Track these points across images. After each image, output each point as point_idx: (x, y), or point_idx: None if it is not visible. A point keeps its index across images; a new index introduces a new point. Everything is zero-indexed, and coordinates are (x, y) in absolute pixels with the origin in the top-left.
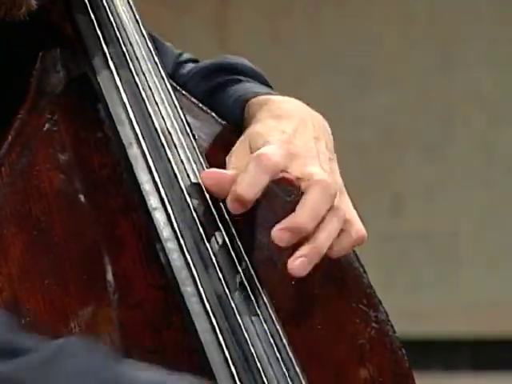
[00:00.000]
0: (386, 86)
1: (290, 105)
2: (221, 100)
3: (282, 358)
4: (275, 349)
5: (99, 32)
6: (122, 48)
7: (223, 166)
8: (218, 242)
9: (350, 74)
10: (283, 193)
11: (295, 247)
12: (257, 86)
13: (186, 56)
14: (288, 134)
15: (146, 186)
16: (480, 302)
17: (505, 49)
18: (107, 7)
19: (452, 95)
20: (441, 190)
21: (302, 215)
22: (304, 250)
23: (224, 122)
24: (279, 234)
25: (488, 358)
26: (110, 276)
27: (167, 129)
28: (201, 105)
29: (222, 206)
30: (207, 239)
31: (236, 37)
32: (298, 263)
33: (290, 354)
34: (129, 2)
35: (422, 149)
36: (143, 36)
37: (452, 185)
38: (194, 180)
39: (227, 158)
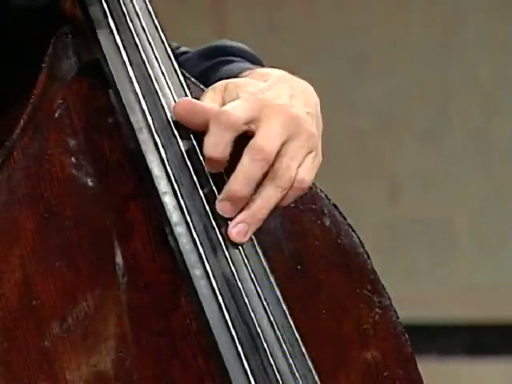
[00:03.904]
0: (384, 74)
1: (273, 70)
2: (213, 80)
3: (288, 339)
4: (282, 330)
5: (111, 20)
6: (133, 36)
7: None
8: (225, 226)
9: (348, 62)
10: None
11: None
12: (249, 65)
13: (182, 49)
14: (262, 87)
15: (156, 171)
16: (475, 287)
17: (503, 38)
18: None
19: (449, 83)
20: (437, 177)
21: (235, 183)
22: (241, 216)
23: None
24: (220, 206)
25: (484, 342)
26: (119, 259)
27: None
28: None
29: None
30: (216, 223)
31: (233, 25)
32: (236, 230)
33: (296, 335)
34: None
35: (419, 136)
36: (155, 26)
37: (449, 172)
38: (203, 165)
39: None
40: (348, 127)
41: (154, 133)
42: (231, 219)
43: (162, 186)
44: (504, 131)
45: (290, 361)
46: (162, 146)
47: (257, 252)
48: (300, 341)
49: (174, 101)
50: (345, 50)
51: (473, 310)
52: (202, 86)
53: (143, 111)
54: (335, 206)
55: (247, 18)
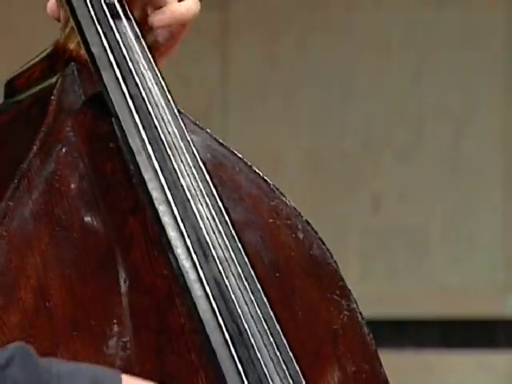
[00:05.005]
0: (366, 100)
1: None
2: None
3: (272, 334)
4: (266, 326)
5: (111, 56)
6: (131, 70)
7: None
8: (216, 235)
9: (334, 92)
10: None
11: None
12: None
13: None
14: None
15: (154, 193)
16: (447, 286)
17: (471, 70)
18: (120, 40)
19: (423, 107)
20: (413, 190)
21: None
22: None
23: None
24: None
25: (455, 336)
26: (121, 267)
27: (172, 141)
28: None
29: (222, 206)
30: (207, 234)
31: (236, 61)
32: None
33: (278, 328)
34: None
35: (396, 155)
36: (150, 62)
37: (423, 185)
38: (195, 182)
39: None
40: (334, 148)
41: (152, 154)
42: (218, 229)
43: (160, 204)
44: (471, 150)
45: (276, 352)
46: (159, 166)
47: (243, 258)
48: (282, 334)
49: (170, 125)
50: (332, 81)
51: (445, 307)
52: (191, 118)
53: (141, 136)
54: (307, 222)
55: (248, 53)
